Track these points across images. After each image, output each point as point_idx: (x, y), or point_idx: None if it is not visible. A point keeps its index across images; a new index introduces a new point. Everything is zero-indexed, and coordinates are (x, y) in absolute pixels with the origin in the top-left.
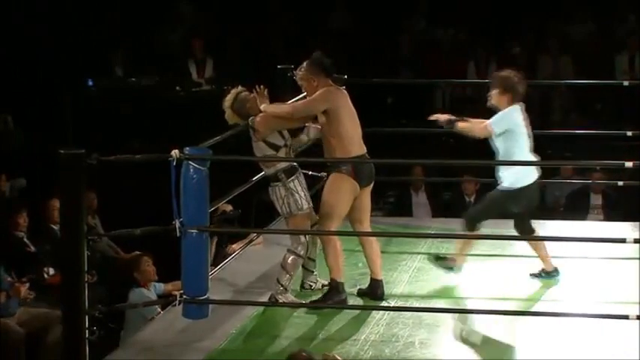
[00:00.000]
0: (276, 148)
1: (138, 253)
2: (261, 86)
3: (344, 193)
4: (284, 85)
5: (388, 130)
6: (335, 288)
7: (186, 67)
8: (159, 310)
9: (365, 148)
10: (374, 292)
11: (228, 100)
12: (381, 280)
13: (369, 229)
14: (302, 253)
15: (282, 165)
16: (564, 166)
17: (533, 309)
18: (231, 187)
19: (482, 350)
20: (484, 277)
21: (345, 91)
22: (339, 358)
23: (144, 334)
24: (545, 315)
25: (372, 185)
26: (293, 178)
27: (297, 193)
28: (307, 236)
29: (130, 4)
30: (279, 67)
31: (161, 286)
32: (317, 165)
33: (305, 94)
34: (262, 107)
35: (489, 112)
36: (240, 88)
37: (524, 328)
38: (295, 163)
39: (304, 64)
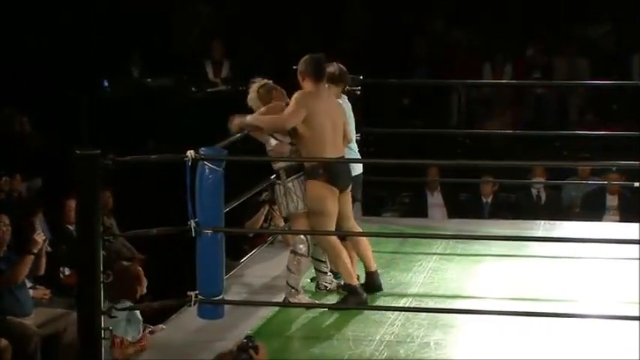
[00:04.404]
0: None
1: None
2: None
3: (325, 199)
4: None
5: (404, 131)
6: (353, 292)
7: (202, 67)
8: None
9: (342, 150)
10: (373, 284)
11: (259, 83)
12: (375, 272)
13: (356, 227)
14: (304, 251)
15: (285, 163)
16: (581, 167)
17: (549, 310)
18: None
19: (497, 351)
20: (499, 278)
21: (331, 91)
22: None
23: (159, 334)
24: (559, 316)
25: (350, 187)
26: (293, 177)
27: (295, 193)
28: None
29: (145, 5)
30: (294, 67)
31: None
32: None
33: None
34: (262, 110)
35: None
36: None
37: (539, 328)
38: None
39: (304, 58)
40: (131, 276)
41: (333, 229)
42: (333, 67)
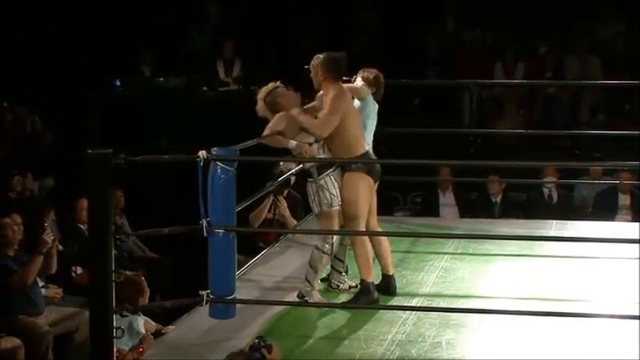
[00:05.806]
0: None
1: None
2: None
3: (362, 190)
4: (310, 86)
5: (415, 131)
6: (366, 289)
7: (214, 67)
8: None
9: (366, 145)
10: (386, 288)
11: (263, 92)
12: (392, 275)
13: (377, 227)
14: (328, 250)
15: None
16: (593, 167)
17: (561, 310)
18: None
19: (508, 350)
20: (511, 278)
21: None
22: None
23: (170, 333)
24: (570, 316)
25: (377, 183)
26: (325, 174)
27: (328, 190)
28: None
29: (157, 5)
30: (306, 67)
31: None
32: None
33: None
34: (294, 112)
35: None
36: (278, 83)
37: (550, 328)
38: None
39: (321, 55)
40: (133, 286)
41: (365, 219)
42: (372, 74)
